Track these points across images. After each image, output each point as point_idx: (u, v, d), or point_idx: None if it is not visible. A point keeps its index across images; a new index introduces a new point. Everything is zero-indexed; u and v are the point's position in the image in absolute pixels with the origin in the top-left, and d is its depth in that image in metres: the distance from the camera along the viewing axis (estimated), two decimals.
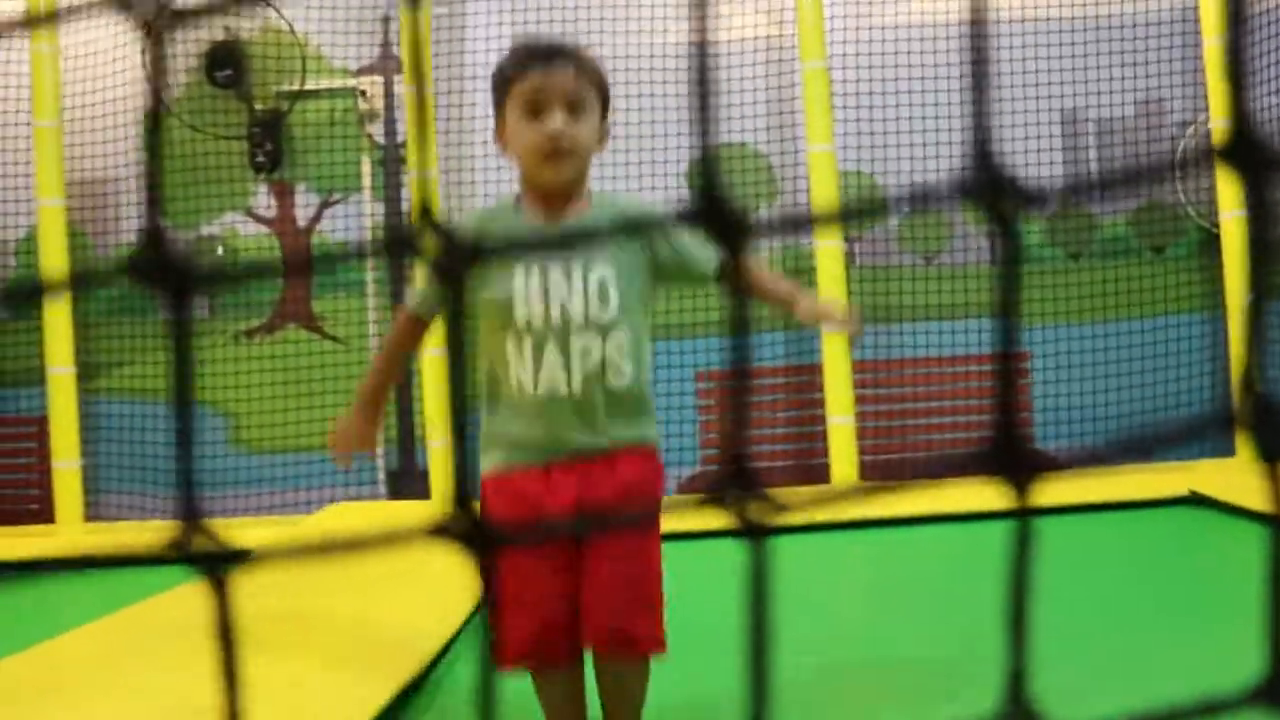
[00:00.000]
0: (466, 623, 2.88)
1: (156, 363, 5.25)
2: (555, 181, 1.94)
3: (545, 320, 1.90)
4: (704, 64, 0.55)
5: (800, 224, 0.64)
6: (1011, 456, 0.59)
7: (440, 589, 3.09)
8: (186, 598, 3.05)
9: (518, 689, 2.01)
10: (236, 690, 0.63)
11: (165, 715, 2.13)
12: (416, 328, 2.06)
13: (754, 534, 0.54)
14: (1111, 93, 5.21)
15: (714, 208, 0.55)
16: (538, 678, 1.98)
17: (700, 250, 1.97)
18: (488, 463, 1.98)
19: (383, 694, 2.28)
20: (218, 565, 0.62)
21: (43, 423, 5.00)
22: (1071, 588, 3.17)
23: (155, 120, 0.56)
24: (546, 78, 1.92)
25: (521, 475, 1.93)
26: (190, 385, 0.63)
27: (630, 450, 1.96)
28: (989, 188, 0.55)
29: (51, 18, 2.11)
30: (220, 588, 0.61)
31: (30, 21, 0.71)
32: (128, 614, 3.07)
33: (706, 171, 0.57)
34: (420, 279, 2.05)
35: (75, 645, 2.75)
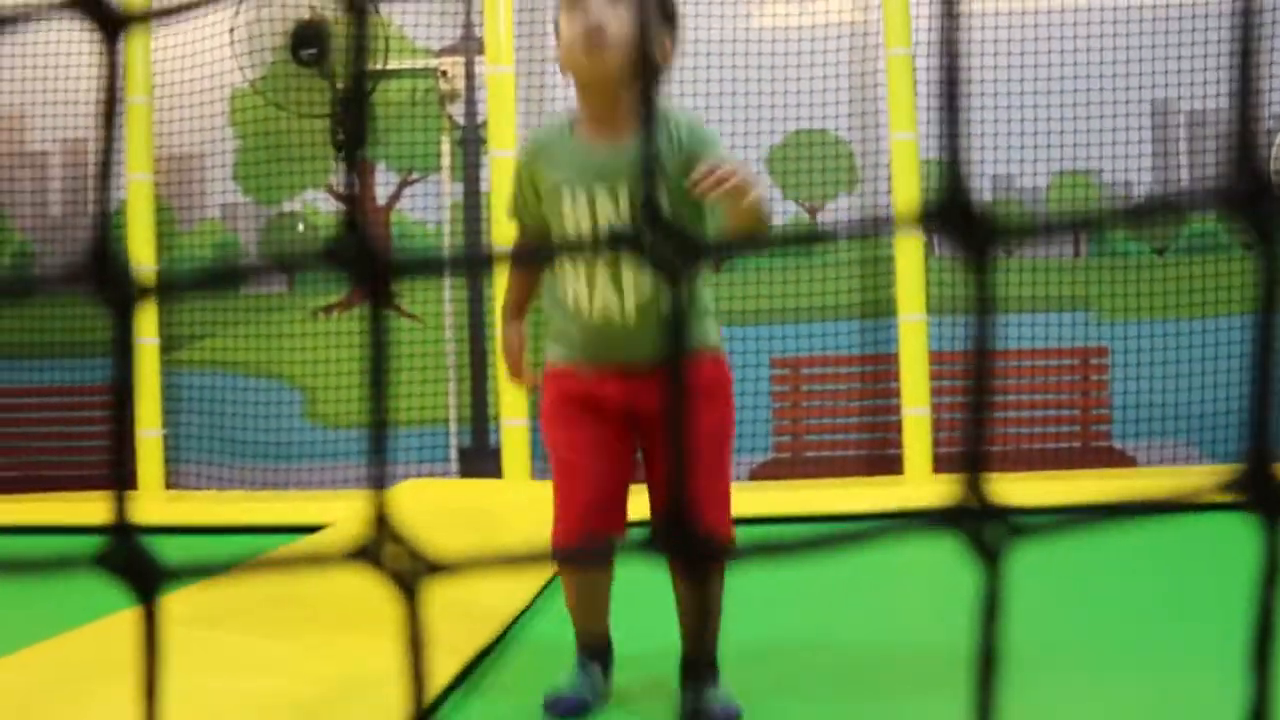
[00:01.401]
0: (544, 588, 2.90)
1: (237, 336, 5.34)
2: (593, 74, 1.92)
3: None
4: (953, 65, 0.53)
5: (1056, 227, 0.61)
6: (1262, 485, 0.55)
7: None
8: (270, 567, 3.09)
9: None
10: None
11: (261, 678, 2.17)
12: (525, 244, 2.10)
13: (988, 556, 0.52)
14: (1205, 83, 5.08)
15: (957, 206, 0.53)
16: (571, 575, 2.06)
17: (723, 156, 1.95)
18: (551, 353, 2.05)
19: (463, 655, 2.30)
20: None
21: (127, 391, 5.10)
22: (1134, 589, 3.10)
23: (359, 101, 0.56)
24: None
25: (581, 372, 1.99)
26: (384, 375, 0.62)
27: (695, 355, 1.98)
28: (1250, 193, 0.52)
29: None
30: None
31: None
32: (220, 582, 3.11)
33: (951, 169, 0.56)
34: (512, 189, 2.06)
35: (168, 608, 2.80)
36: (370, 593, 0.63)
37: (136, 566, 0.59)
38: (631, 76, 1.90)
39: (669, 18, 2.01)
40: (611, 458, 2.01)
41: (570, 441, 2.00)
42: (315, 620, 2.53)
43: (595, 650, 2.12)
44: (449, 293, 5.29)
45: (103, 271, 0.61)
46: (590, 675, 2.09)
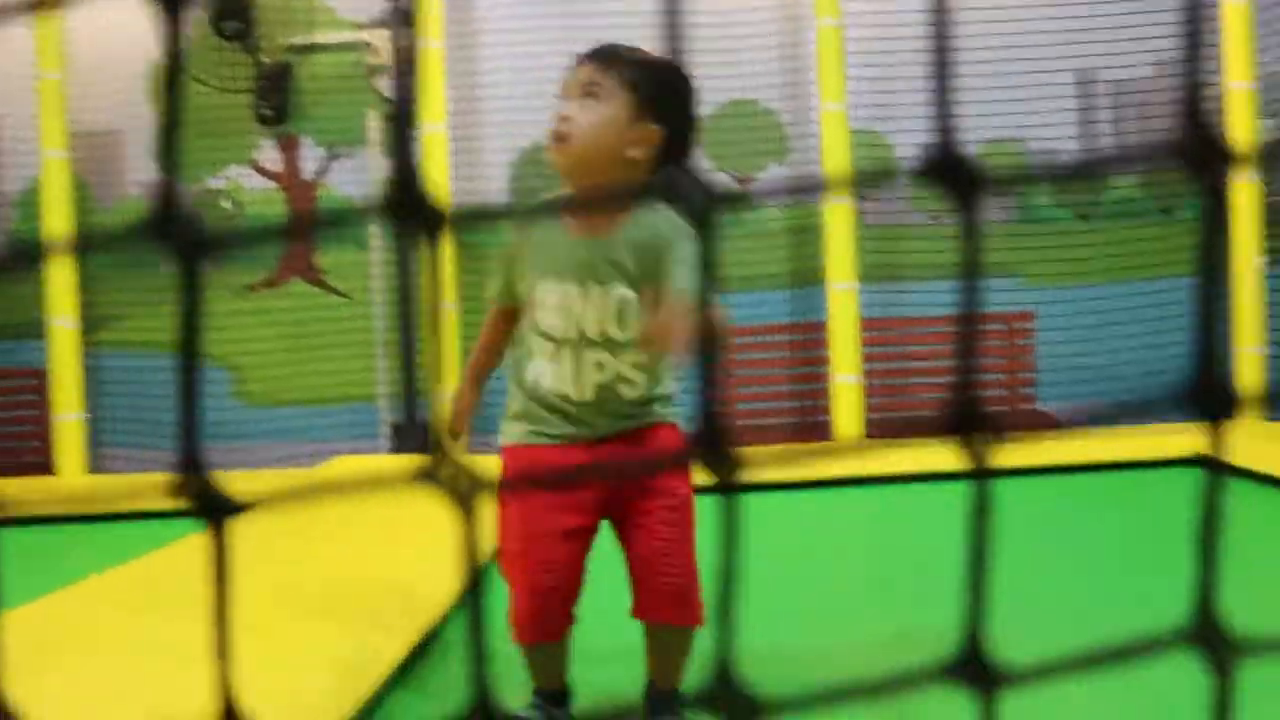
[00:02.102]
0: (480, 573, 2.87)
1: (160, 315, 5.23)
2: (560, 168, 1.92)
3: (562, 330, 1.92)
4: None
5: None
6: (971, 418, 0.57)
7: (448, 543, 3.08)
8: (195, 550, 3.04)
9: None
10: (226, 634, 0.62)
11: (177, 665, 2.13)
12: (503, 318, 2.07)
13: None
14: (1126, 54, 5.15)
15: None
16: (531, 649, 2.00)
17: (686, 271, 1.89)
18: (509, 434, 2.02)
19: (398, 649, 2.27)
20: (219, 513, 0.61)
21: (43, 375, 5.00)
22: (1080, 544, 3.16)
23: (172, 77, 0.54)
24: (573, 71, 1.92)
25: (542, 449, 1.96)
26: (198, 341, 0.61)
27: (655, 426, 1.98)
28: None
29: None
30: (219, 535, 0.61)
31: None
32: (138, 565, 3.05)
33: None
34: (494, 270, 2.05)
35: (84, 596, 2.74)
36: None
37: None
38: (611, 171, 1.89)
39: (645, 101, 1.95)
40: (574, 540, 1.98)
41: (532, 523, 1.97)
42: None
43: (553, 694, 2.08)
44: (376, 268, 5.23)
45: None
46: (548, 714, 2.06)
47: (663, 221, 1.92)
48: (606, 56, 1.92)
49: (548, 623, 1.96)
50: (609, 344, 1.93)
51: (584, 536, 1.97)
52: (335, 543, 3.15)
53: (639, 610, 1.99)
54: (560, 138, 1.88)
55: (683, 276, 1.88)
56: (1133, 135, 5.18)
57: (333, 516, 3.40)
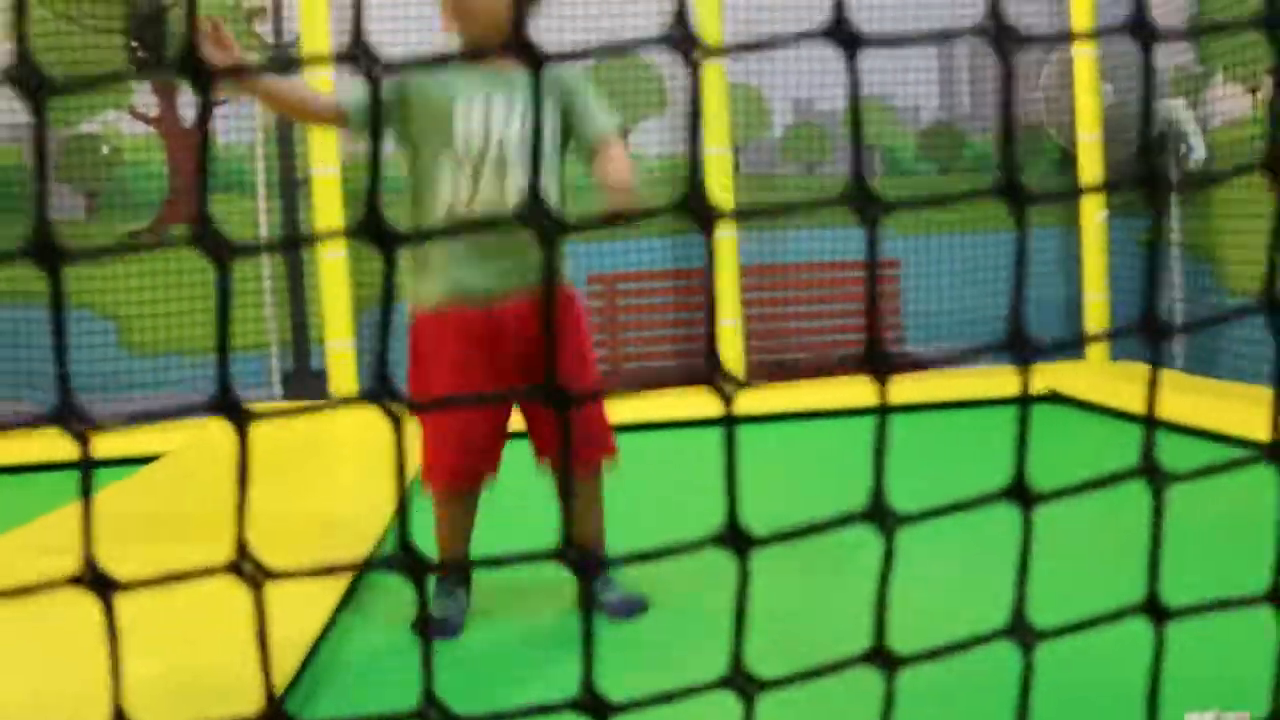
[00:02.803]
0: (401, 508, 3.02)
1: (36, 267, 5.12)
2: (464, 36, 2.11)
3: (483, 148, 2.10)
4: None
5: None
6: (878, 357, 0.78)
7: (370, 476, 3.22)
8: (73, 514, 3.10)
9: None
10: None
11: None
12: (324, 116, 2.17)
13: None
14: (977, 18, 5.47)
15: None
16: (446, 502, 2.20)
17: (601, 114, 2.18)
18: (422, 296, 2.16)
19: (338, 584, 2.41)
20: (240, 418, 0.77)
21: None
22: (942, 479, 3.47)
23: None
24: None
25: (462, 312, 2.12)
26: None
27: (564, 284, 2.24)
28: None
29: None
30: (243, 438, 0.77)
31: None
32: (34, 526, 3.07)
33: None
34: (360, 90, 2.14)
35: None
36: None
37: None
38: (505, 20, 2.05)
39: None
40: (493, 406, 2.16)
41: (449, 383, 2.12)
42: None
43: (458, 574, 2.27)
44: (263, 216, 5.23)
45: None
46: (456, 598, 2.24)
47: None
48: None
49: (470, 468, 2.19)
50: (517, 161, 2.12)
51: (500, 387, 2.15)
52: (266, 483, 3.24)
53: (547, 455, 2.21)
54: (462, 9, 2.08)
55: (604, 119, 2.17)
56: (989, 95, 5.52)
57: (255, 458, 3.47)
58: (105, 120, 5.23)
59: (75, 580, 0.77)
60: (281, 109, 2.30)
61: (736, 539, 0.79)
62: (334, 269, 4.80)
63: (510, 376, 2.14)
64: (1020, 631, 0.85)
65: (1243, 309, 0.92)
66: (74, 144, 5.24)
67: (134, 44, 5.19)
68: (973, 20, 0.90)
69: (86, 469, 0.77)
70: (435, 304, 2.15)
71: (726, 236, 5.10)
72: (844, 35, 0.81)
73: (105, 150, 5.23)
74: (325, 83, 4.97)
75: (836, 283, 5.38)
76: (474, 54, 2.11)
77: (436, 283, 2.14)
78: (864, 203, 0.77)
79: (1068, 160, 5.41)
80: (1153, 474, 0.85)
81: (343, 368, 4.79)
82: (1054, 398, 4.53)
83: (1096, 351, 5.11)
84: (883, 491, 0.81)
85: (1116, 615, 0.87)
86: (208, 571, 0.79)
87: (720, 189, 5.08)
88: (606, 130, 2.16)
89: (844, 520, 0.81)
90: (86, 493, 0.77)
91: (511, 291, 2.12)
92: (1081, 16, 5.19)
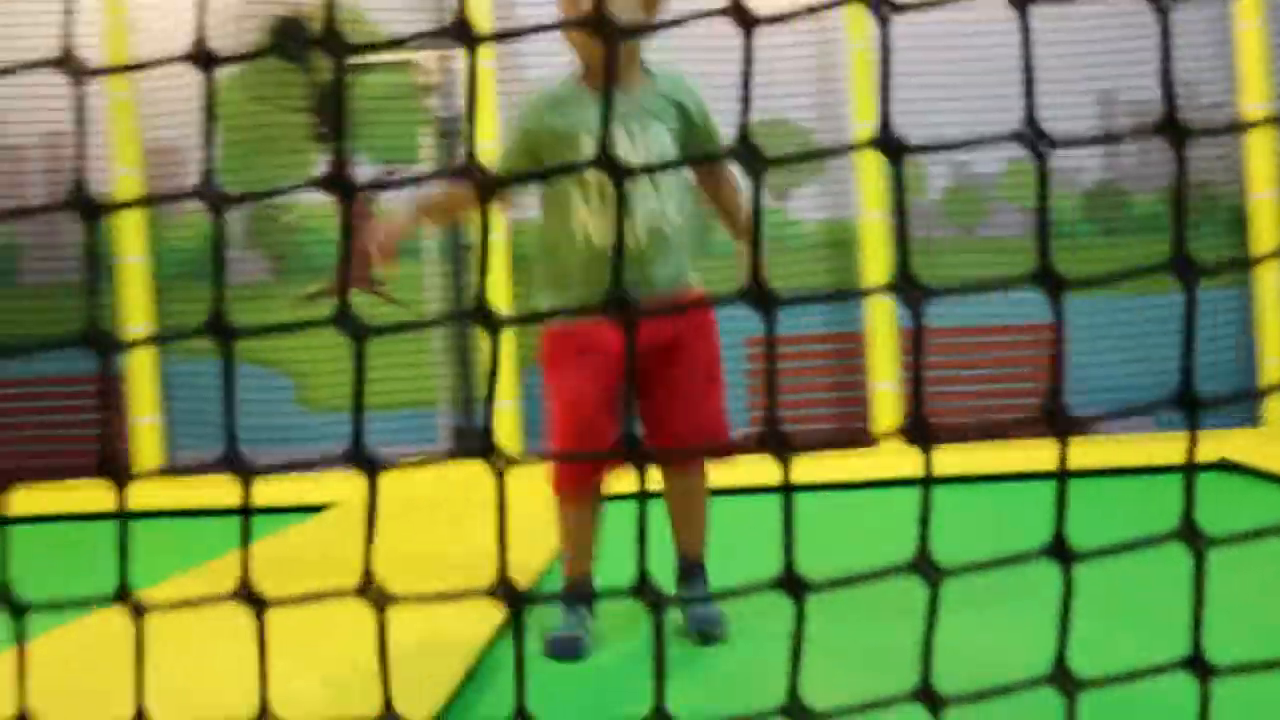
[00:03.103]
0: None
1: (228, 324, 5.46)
2: (586, 64, 2.21)
3: (599, 180, 2.19)
4: None
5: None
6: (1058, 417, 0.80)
7: (530, 522, 3.33)
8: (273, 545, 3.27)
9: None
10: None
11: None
12: (473, 200, 2.35)
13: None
14: (1146, 75, 5.37)
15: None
16: (567, 504, 2.31)
17: (718, 131, 2.30)
18: (547, 306, 2.31)
19: (494, 618, 2.51)
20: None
21: (122, 381, 5.25)
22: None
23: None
24: None
25: (585, 326, 2.24)
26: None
27: (691, 290, 2.32)
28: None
29: None
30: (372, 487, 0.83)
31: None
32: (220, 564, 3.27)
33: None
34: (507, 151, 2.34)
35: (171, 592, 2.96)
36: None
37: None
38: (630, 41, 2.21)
39: None
40: (611, 407, 2.24)
41: (576, 390, 2.23)
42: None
43: (581, 593, 2.34)
44: (430, 279, 5.46)
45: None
46: (580, 615, 2.32)
47: (671, 74, 2.24)
48: None
49: (592, 475, 2.29)
50: (652, 181, 2.21)
51: (618, 400, 2.26)
52: (418, 525, 3.39)
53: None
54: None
55: (719, 134, 2.29)
56: (1152, 154, 5.41)
57: (413, 503, 3.64)
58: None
59: (234, 595, 0.87)
60: (445, 220, 2.54)
61: (794, 584, 0.83)
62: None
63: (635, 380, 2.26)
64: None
65: None
66: (261, 213, 5.59)
67: (317, 120, 5.53)
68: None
69: (246, 514, 0.86)
70: (558, 323, 2.27)
71: (885, 299, 5.10)
72: (1030, 134, 0.86)
73: (289, 219, 5.56)
74: (488, 152, 5.20)
75: (998, 346, 5.31)
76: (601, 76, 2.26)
77: (567, 298, 2.26)
78: (1043, 277, 0.80)
79: (1239, 220, 5.24)
80: None
81: (507, 426, 4.95)
82: (1225, 465, 4.36)
83: (1274, 416, 4.90)
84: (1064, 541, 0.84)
85: None
86: (340, 593, 0.87)
87: (876, 252, 5.09)
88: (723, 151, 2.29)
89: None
90: (246, 533, 0.86)
91: (649, 296, 2.24)
92: (1254, 68, 5.06)
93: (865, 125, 5.08)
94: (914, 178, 5.41)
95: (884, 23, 0.92)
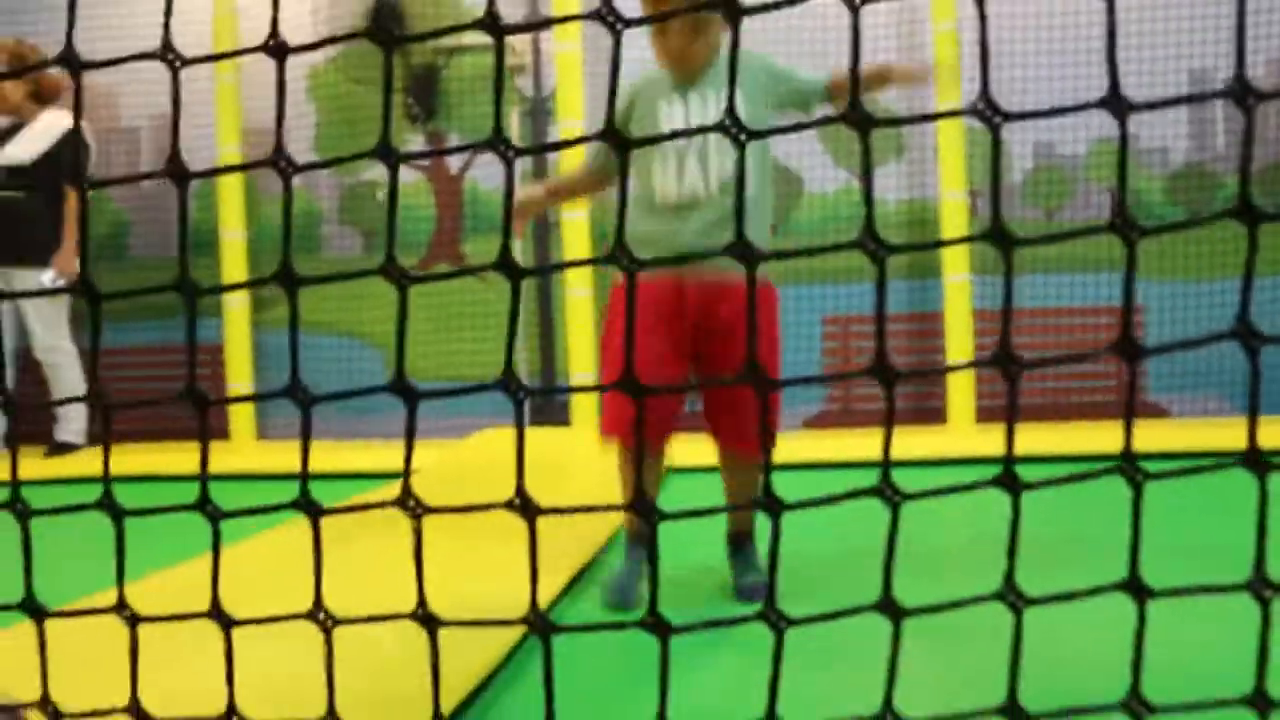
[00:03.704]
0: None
1: (317, 298, 5.68)
2: (663, 54, 2.42)
3: (686, 141, 2.36)
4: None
5: None
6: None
7: (600, 492, 3.45)
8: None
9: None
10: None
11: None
12: (594, 180, 2.58)
13: None
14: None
15: None
16: (623, 453, 2.42)
17: (806, 77, 2.43)
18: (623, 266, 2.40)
19: (560, 579, 2.63)
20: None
21: (219, 351, 5.50)
22: (1191, 533, 3.37)
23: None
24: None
25: (654, 282, 2.32)
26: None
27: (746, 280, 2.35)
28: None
29: None
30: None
31: None
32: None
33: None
34: (593, 148, 2.51)
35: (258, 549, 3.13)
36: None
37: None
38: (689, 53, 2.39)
39: None
40: (677, 364, 2.37)
41: (640, 343, 2.34)
42: None
43: (644, 537, 2.45)
44: (519, 257, 5.61)
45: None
46: (634, 565, 2.44)
47: (742, 54, 2.35)
48: None
49: (650, 429, 2.36)
50: (726, 143, 2.30)
51: (683, 358, 2.38)
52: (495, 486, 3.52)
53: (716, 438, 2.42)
54: (687, 63, 2.37)
55: (810, 77, 2.44)
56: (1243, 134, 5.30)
57: (487, 472, 3.77)
58: (381, 168, 5.75)
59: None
60: (571, 199, 2.71)
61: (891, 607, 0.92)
62: (579, 306, 5.11)
63: (689, 349, 2.38)
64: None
65: None
66: (354, 190, 5.79)
67: (410, 101, 5.71)
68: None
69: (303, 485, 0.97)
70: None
71: (961, 279, 5.10)
72: (1118, 104, 0.93)
73: (380, 195, 5.75)
74: (576, 131, 5.32)
75: (1076, 329, 5.27)
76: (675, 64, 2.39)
77: (636, 255, 2.36)
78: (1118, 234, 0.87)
79: None
80: None
81: (585, 397, 5.08)
82: None
83: None
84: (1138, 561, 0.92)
85: None
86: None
87: (956, 234, 5.09)
88: (821, 77, 2.44)
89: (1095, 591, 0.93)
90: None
91: (703, 271, 2.33)
92: None
93: (946, 105, 5.08)
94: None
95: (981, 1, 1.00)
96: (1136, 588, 0.98)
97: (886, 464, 0.98)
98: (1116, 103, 0.97)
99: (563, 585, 2.58)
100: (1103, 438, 4.45)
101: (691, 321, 2.37)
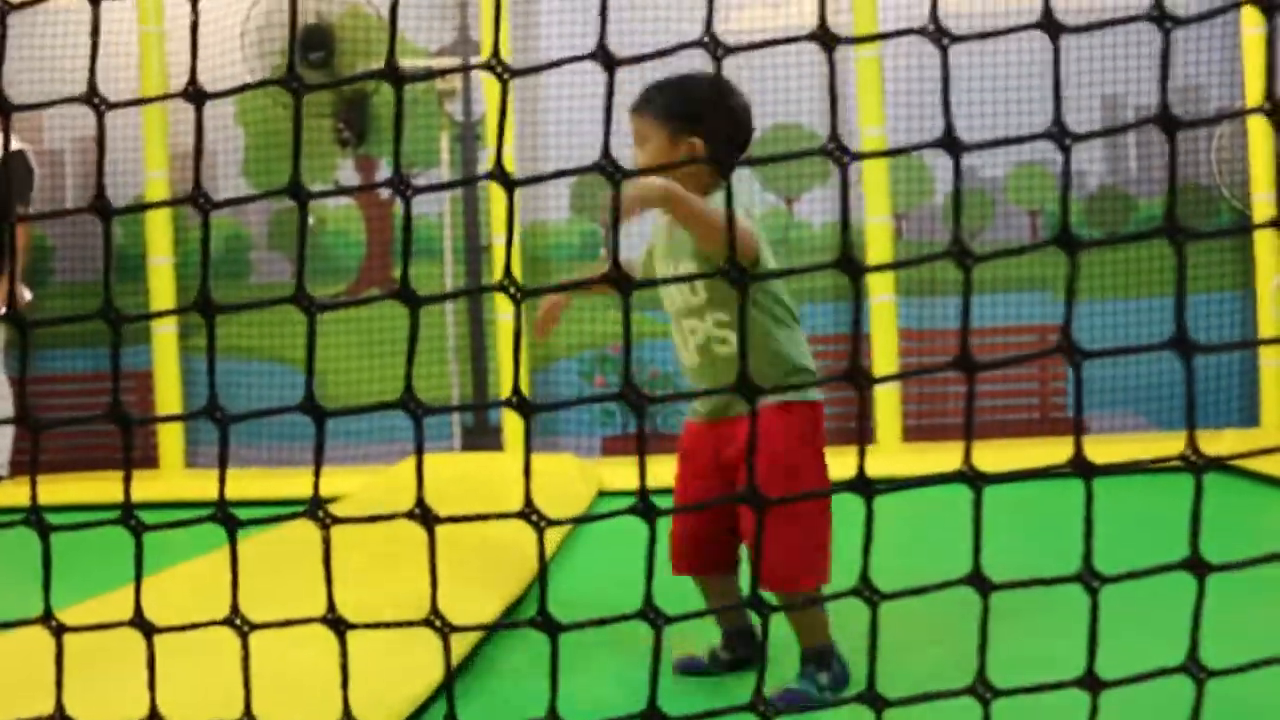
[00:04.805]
0: (564, 541, 3.28)
1: (244, 324, 5.64)
2: (668, 235, 2.39)
3: (669, 305, 2.37)
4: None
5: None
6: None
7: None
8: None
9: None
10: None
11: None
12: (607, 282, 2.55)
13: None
14: (1151, 79, 5.45)
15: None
16: (696, 581, 2.44)
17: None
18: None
19: (500, 601, 2.65)
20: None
21: (147, 378, 5.44)
22: (1111, 552, 3.47)
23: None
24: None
25: (692, 424, 2.43)
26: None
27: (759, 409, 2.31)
28: None
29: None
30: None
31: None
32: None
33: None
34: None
35: (185, 577, 3.11)
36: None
37: None
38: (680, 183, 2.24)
39: (694, 117, 2.31)
40: (701, 501, 2.39)
41: (679, 483, 2.45)
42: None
43: (738, 633, 2.44)
44: (449, 281, 5.62)
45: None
46: (730, 653, 2.44)
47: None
48: (639, 104, 2.35)
49: (696, 559, 2.41)
50: (691, 309, 2.32)
51: (710, 494, 2.36)
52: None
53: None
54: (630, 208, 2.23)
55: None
56: (1156, 159, 5.48)
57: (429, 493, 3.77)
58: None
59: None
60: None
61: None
62: (509, 330, 5.13)
63: (720, 483, 2.34)
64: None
65: None
66: (282, 216, 5.76)
67: (340, 126, 5.71)
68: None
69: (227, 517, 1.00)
70: (687, 418, 2.47)
71: (887, 300, 5.20)
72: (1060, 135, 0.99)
73: (311, 221, 5.74)
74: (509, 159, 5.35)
75: (1002, 348, 5.40)
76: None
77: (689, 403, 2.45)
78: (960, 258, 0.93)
79: (1243, 221, 5.31)
80: None
81: (516, 423, 5.09)
82: (1224, 468, 4.43)
83: (1271, 419, 4.97)
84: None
85: None
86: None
87: (880, 255, 5.19)
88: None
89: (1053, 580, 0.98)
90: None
91: (725, 413, 2.32)
92: (1255, 76, 5.13)
93: (871, 130, 5.19)
94: (919, 181, 5.52)
95: (944, 50, 1.06)
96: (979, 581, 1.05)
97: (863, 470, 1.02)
98: (1062, 134, 1.03)
99: (498, 613, 2.59)
100: (1030, 454, 4.55)
101: (720, 459, 2.34)
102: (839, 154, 1.10)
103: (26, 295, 5.18)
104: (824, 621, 2.30)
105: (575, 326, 5.48)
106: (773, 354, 2.28)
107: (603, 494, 4.60)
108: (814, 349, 2.46)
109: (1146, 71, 5.45)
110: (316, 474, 1.14)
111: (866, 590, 1.11)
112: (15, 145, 5.06)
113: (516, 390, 1.16)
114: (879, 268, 1.05)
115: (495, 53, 1.05)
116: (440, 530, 1.27)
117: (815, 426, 2.32)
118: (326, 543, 1.16)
